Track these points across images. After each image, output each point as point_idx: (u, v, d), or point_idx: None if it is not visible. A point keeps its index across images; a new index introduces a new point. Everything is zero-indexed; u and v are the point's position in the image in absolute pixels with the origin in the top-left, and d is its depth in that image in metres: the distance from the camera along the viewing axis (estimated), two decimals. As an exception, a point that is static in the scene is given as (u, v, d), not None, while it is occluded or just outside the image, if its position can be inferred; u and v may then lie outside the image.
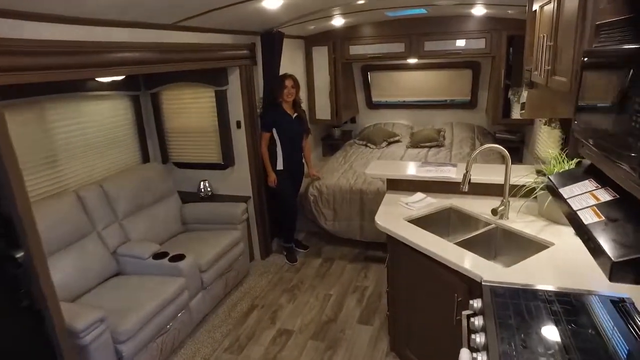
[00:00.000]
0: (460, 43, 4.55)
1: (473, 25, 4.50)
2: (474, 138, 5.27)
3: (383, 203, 2.81)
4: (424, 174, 2.89)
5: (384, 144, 5.38)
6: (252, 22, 3.41)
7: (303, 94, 4.97)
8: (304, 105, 4.99)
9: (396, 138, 5.48)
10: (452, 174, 2.85)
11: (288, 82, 3.75)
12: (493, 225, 2.41)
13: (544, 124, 3.71)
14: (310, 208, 4.29)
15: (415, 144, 5.24)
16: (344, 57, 4.97)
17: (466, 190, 2.35)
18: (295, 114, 3.92)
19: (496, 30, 4.43)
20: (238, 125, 3.73)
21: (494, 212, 2.43)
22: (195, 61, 3.11)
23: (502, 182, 2.47)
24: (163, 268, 2.89)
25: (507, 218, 2.43)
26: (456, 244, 2.18)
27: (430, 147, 5.19)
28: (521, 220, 2.41)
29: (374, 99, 5.98)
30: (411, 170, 3.02)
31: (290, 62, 4.57)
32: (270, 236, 4.22)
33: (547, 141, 3.75)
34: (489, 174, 2.81)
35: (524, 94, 2.85)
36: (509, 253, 2.36)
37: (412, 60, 5.06)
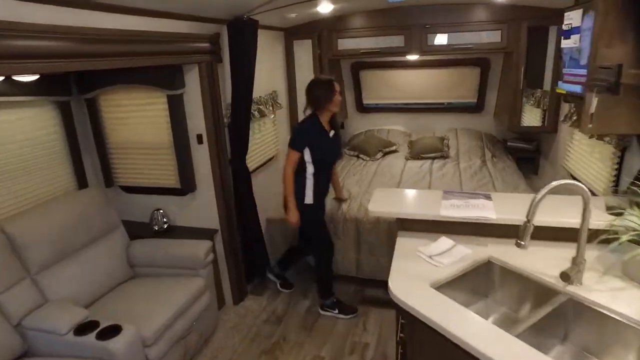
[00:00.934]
0: (472, 36, 3.81)
1: (487, 14, 3.75)
2: (483, 147, 4.53)
3: (396, 255, 2.02)
4: (452, 212, 2.11)
5: (379, 155, 4.61)
6: (216, 5, 2.58)
7: (282, 97, 4.15)
8: (283, 111, 4.19)
9: (393, 148, 4.71)
10: (491, 212, 2.08)
11: (337, 87, 2.85)
12: (563, 298, 1.65)
13: (590, 136, 2.99)
14: (298, 239, 3.49)
15: (416, 154, 4.48)
16: (332, 53, 4.16)
17: (526, 246, 1.59)
18: (333, 131, 3.01)
19: (514, 21, 3.69)
20: (199, 139, 2.89)
21: (565, 277, 1.66)
22: (138, 56, 2.25)
23: (561, 224, 1.78)
24: (88, 348, 2.05)
25: (581, 284, 1.68)
26: (517, 336, 1.41)
27: (434, 158, 4.43)
28: (601, 285, 1.66)
29: (366, 101, 5.20)
30: (432, 206, 2.23)
31: (267, 59, 3.75)
32: (245, 276, 3.39)
33: (588, 156, 3.03)
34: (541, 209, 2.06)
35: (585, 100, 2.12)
36: (587, 335, 1.61)
37: (412, 57, 4.28)
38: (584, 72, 2.76)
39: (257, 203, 3.37)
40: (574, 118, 3.23)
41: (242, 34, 2.81)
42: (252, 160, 3.47)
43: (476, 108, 4.90)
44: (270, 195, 3.94)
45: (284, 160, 2.87)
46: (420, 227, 2.20)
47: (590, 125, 2.16)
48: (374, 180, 3.94)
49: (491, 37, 3.77)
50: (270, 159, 3.90)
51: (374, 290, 3.46)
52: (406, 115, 5.20)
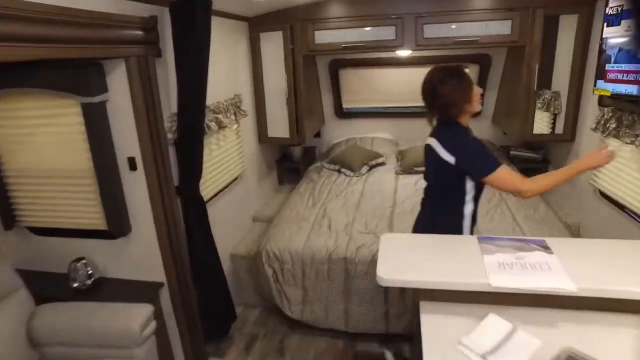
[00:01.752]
0: (476, 27, 3.15)
1: (494, 0, 3.12)
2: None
3: (427, 350, 1.30)
4: (508, 280, 1.40)
5: (364, 169, 3.89)
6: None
7: (247, 102, 3.38)
8: (249, 120, 3.42)
9: (380, 160, 4.00)
10: (563, 277, 1.40)
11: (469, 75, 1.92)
12: None
13: (629, 142, 2.38)
14: (269, 285, 2.73)
15: (408, 168, 3.79)
16: (307, 48, 3.41)
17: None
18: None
19: (527, 9, 3.06)
20: (131, 165, 2.07)
21: None
22: (31, 44, 1.45)
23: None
24: None
25: None
26: None
27: (428, 172, 3.76)
28: None
29: (346, 105, 4.47)
30: (470, 267, 1.52)
31: (226, 55, 2.97)
32: (205, 336, 2.59)
33: (634, 173, 2.42)
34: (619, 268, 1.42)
35: None
36: None
37: (403, 53, 3.60)
38: None
39: (217, 238, 2.59)
40: (612, 126, 2.62)
41: (191, 19, 2.02)
42: (209, 185, 2.68)
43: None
44: (234, 225, 3.17)
45: (504, 185, 1.77)
46: (447, 294, 1.50)
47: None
48: (362, 203, 3.22)
49: (499, 28, 3.13)
50: (234, 180, 3.11)
51: (367, 343, 2.75)
52: (392, 121, 4.51)
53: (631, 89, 2.24)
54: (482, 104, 2.17)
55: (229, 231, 3.08)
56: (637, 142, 2.34)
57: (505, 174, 1.75)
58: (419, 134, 4.38)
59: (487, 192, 3.26)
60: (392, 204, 3.18)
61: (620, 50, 2.34)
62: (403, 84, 4.20)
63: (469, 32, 3.15)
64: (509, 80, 3.72)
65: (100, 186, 2.07)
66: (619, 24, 2.34)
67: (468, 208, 1.93)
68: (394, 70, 4.13)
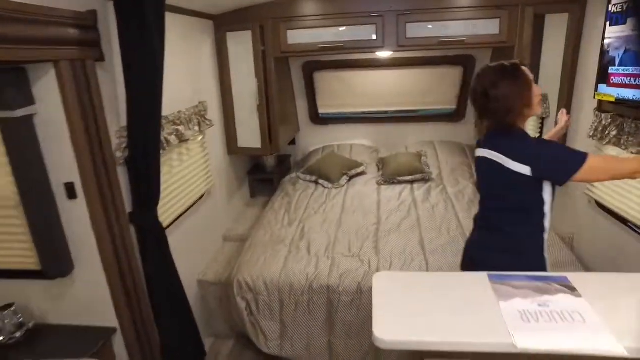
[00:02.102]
0: (463, 26, 2.91)
1: (481, -3, 2.88)
2: (470, 165, 3.67)
3: None
4: (536, 340, 1.12)
5: (344, 179, 3.58)
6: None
7: (214, 109, 3.03)
8: (215, 129, 3.08)
9: (360, 169, 3.71)
10: (605, 336, 1.12)
11: (531, 75, 1.61)
12: None
13: (635, 152, 2.16)
14: (242, 318, 2.39)
15: (390, 178, 3.51)
16: (279, 49, 3.08)
17: None
18: None
19: (516, 7, 2.83)
20: (70, 191, 1.69)
21: None
22: None
23: None
24: None
25: None
26: None
27: (413, 182, 3.49)
28: None
29: (322, 110, 4.15)
30: (485, 318, 1.22)
31: (187, 58, 2.62)
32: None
33: (636, 184, 2.21)
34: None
35: None
36: None
37: (384, 54, 3.32)
38: None
39: (182, 264, 2.22)
40: (612, 133, 2.41)
41: (141, 15, 1.67)
42: (170, 208, 2.32)
43: (456, 116, 4.04)
44: (201, 248, 2.82)
45: (604, 174, 1.54)
46: (465, 353, 1.20)
47: None
48: (344, 220, 2.92)
49: (487, 27, 2.89)
50: (200, 198, 2.75)
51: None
52: (371, 126, 4.22)
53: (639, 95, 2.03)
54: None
55: (196, 255, 2.72)
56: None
57: (599, 162, 1.51)
58: (401, 140, 4.17)
59: (464, 203, 3.12)
60: (376, 221, 2.88)
61: (626, 51, 2.12)
62: (383, 87, 3.93)
63: (455, 32, 2.89)
64: None
65: (29, 218, 1.68)
66: (624, 23, 2.11)
67: (547, 220, 1.63)
68: (373, 73, 3.85)
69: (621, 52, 2.15)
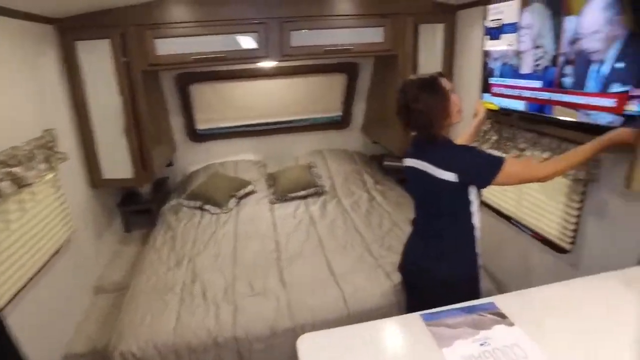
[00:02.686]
0: (347, 34, 2.77)
1: (365, 6, 2.77)
2: (361, 172, 3.59)
3: None
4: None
5: (232, 202, 3.21)
6: None
7: (67, 137, 2.44)
8: (73, 161, 2.50)
9: (249, 188, 3.37)
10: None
11: (449, 85, 1.63)
12: None
13: (515, 156, 2.23)
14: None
15: (283, 194, 3.25)
16: (147, 61, 2.59)
17: None
18: None
19: (399, 16, 2.79)
20: None
21: None
22: None
23: None
24: None
25: None
26: None
27: (306, 196, 3.28)
28: None
29: (200, 126, 3.71)
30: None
31: (19, 73, 2.01)
32: None
33: (524, 189, 2.29)
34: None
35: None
36: None
37: (268, 64, 3.04)
38: (528, 83, 1.98)
39: (37, 341, 1.67)
40: (493, 138, 2.49)
41: None
42: (8, 280, 1.71)
43: (343, 123, 3.95)
44: (65, 311, 2.24)
45: (517, 178, 1.58)
46: None
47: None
48: (239, 251, 2.56)
49: (372, 35, 2.80)
50: (57, 251, 2.16)
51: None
52: (256, 140, 3.91)
53: (516, 105, 2.09)
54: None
55: (58, 322, 2.14)
56: (523, 157, 2.22)
57: (515, 166, 1.56)
58: (289, 151, 3.92)
59: (362, 215, 3.02)
60: (275, 247, 2.60)
61: (504, 64, 2.17)
62: (266, 97, 3.65)
63: (341, 40, 2.75)
64: (379, 89, 3.47)
65: None
66: (498, 38, 2.16)
67: (476, 218, 1.70)
68: (254, 83, 3.54)
69: (499, 64, 2.20)
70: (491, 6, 2.19)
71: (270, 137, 3.90)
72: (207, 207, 3.14)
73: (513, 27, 2.05)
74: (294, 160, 3.75)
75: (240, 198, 3.28)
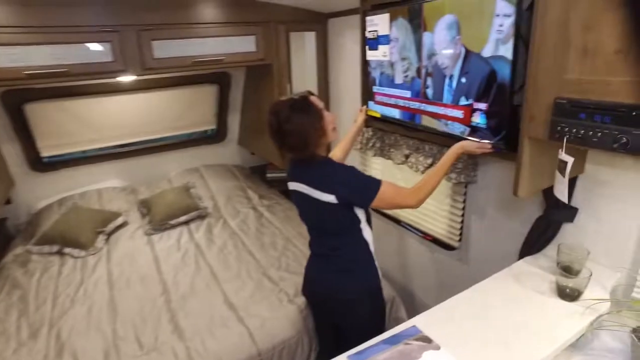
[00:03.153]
0: (219, 43, 2.51)
1: (233, 13, 2.54)
2: (244, 187, 3.35)
3: None
4: None
5: (101, 240, 2.69)
6: None
7: None
8: None
9: (119, 221, 2.85)
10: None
11: (320, 104, 1.57)
12: None
13: (399, 163, 2.27)
14: None
15: (161, 223, 2.84)
16: (-42, 79, 1.99)
17: None
18: None
19: (269, 24, 2.64)
20: None
21: None
22: None
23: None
24: None
25: None
26: None
27: (189, 222, 2.93)
28: None
29: (46, 152, 3.03)
30: None
31: None
32: None
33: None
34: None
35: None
36: None
37: (126, 78, 2.60)
38: (401, 93, 2.02)
39: None
40: (377, 145, 2.50)
41: None
42: None
43: (217, 136, 3.64)
44: None
45: (391, 204, 1.61)
46: None
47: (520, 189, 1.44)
48: (118, 300, 2.12)
49: (245, 44, 2.59)
50: None
51: None
52: (121, 163, 3.37)
53: (393, 113, 2.14)
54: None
55: None
56: (409, 163, 2.27)
57: (389, 191, 1.55)
58: (161, 173, 3.48)
59: (252, 236, 2.80)
60: (162, 288, 2.22)
61: (382, 74, 2.18)
62: (128, 114, 3.17)
63: (211, 50, 2.48)
64: (253, 99, 3.26)
65: None
66: (377, 49, 2.16)
67: (367, 232, 1.68)
68: (112, 99, 3.02)
69: (379, 73, 2.20)
70: (368, 17, 2.18)
71: (138, 159, 3.41)
72: (67, 250, 2.58)
73: (386, 39, 2.07)
74: (168, 182, 3.34)
75: (110, 234, 2.77)
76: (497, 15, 1.46)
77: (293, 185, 1.66)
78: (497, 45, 1.48)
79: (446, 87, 1.75)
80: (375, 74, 2.23)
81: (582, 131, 1.23)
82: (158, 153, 3.45)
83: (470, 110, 1.67)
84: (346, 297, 1.67)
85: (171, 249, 2.62)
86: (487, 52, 1.52)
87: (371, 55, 2.22)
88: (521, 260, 1.69)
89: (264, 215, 3.02)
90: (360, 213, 1.62)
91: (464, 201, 2.10)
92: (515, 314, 1.33)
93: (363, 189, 1.54)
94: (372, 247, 1.70)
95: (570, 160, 1.27)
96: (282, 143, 1.53)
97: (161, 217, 2.86)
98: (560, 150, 1.30)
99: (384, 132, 2.43)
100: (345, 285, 1.67)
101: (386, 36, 2.06)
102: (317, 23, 2.78)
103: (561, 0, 1.21)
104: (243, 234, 2.77)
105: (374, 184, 1.54)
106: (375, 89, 2.26)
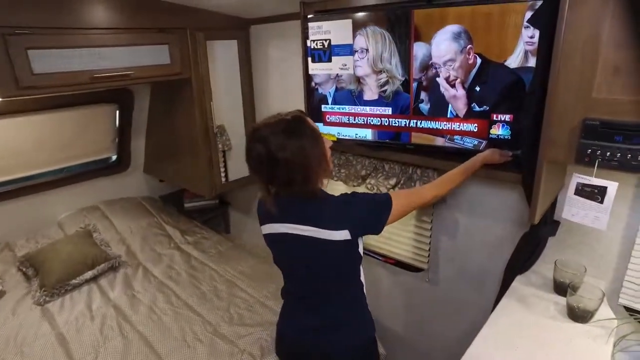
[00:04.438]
0: (124, 54, 1.93)
1: (137, 16, 1.98)
2: (160, 224, 2.74)
3: None
4: None
5: (-29, 322, 1.90)
6: None
7: None
8: None
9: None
10: None
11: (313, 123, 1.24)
12: None
13: (356, 185, 2.02)
14: None
15: (58, 286, 2.11)
16: None
17: None
18: None
19: (183, 30, 2.13)
20: None
21: None
22: None
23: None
24: None
25: None
26: None
27: (97, 277, 2.25)
28: None
29: None
30: None
31: None
32: None
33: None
34: None
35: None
36: None
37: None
38: (376, 110, 1.75)
39: None
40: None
41: None
42: None
43: (118, 165, 2.93)
44: None
45: (409, 209, 1.34)
46: None
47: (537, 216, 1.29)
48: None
49: (156, 56, 2.05)
50: None
51: None
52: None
53: (363, 133, 1.84)
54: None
55: None
56: (368, 185, 2.01)
57: (401, 199, 1.31)
58: (47, 218, 2.68)
59: (186, 283, 2.26)
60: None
61: (337, 90, 1.87)
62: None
63: (115, 63, 1.90)
64: (164, 119, 2.66)
65: None
66: (329, 60, 1.84)
67: (363, 274, 1.40)
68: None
69: (332, 89, 1.89)
70: (312, 24, 1.84)
71: (12, 202, 2.52)
72: None
73: (347, 49, 1.76)
74: (59, 228, 2.57)
75: (-18, 311, 1.98)
76: (527, 27, 1.28)
77: (278, 228, 1.28)
78: (527, 56, 1.32)
79: (452, 101, 1.51)
80: (325, 90, 1.91)
81: (619, 154, 1.08)
82: (41, 192, 2.61)
83: (487, 122, 1.48)
84: (339, 355, 1.35)
85: (81, 319, 1.95)
86: (513, 62, 1.36)
87: (317, 68, 1.89)
88: (516, 282, 1.55)
89: (192, 256, 2.48)
90: (361, 250, 1.33)
91: (432, 221, 1.91)
92: (543, 348, 1.19)
93: (376, 209, 1.26)
94: (365, 289, 1.41)
95: (613, 185, 1.12)
96: (272, 177, 1.18)
97: (57, 278, 2.13)
98: (582, 174, 1.15)
99: (341, 153, 2.12)
100: (340, 340, 1.35)
101: (347, 46, 1.75)
102: (239, 30, 2.36)
103: (589, 15, 1.06)
104: (173, 283, 2.22)
105: (385, 200, 1.27)
106: (326, 108, 1.93)
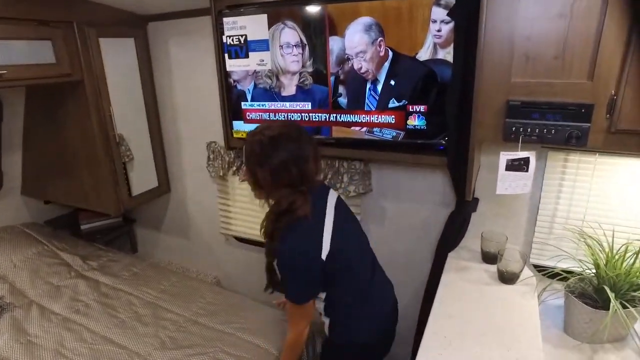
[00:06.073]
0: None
1: (10, 5, 1.57)
2: (54, 252, 2.24)
3: None
4: None
5: None
6: None
7: None
8: None
9: None
10: None
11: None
12: None
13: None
14: None
15: None
16: None
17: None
18: None
19: (69, 24, 1.77)
20: None
21: None
22: None
23: None
24: None
25: None
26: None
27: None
28: None
29: None
30: None
31: None
32: None
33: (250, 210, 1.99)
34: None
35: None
36: None
37: None
38: (295, 105, 1.67)
39: None
40: (236, 164, 2.04)
41: None
42: None
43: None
44: None
45: None
46: None
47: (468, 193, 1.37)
48: None
49: (37, 54, 1.67)
50: None
51: None
52: None
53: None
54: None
55: None
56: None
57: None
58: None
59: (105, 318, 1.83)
60: None
61: (256, 86, 1.73)
62: None
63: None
64: (47, 130, 2.19)
65: None
66: (246, 56, 1.70)
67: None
68: None
69: (251, 87, 1.74)
70: (227, 19, 1.68)
71: None
72: None
73: (264, 45, 1.64)
74: None
75: None
76: (434, 21, 1.29)
77: (331, 219, 1.24)
78: (436, 49, 1.33)
79: (369, 93, 1.48)
80: (244, 86, 1.76)
81: (537, 130, 1.18)
82: None
83: (404, 114, 1.47)
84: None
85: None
86: (423, 55, 1.37)
87: (235, 64, 1.73)
88: (449, 258, 1.61)
89: (101, 282, 2.09)
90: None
91: (359, 213, 1.90)
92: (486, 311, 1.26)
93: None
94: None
95: (532, 155, 1.21)
96: (303, 174, 1.16)
97: None
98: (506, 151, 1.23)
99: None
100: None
101: (263, 41, 1.63)
102: (135, 27, 2.06)
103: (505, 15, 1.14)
104: (82, 317, 1.84)
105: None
106: (245, 105, 1.78)
